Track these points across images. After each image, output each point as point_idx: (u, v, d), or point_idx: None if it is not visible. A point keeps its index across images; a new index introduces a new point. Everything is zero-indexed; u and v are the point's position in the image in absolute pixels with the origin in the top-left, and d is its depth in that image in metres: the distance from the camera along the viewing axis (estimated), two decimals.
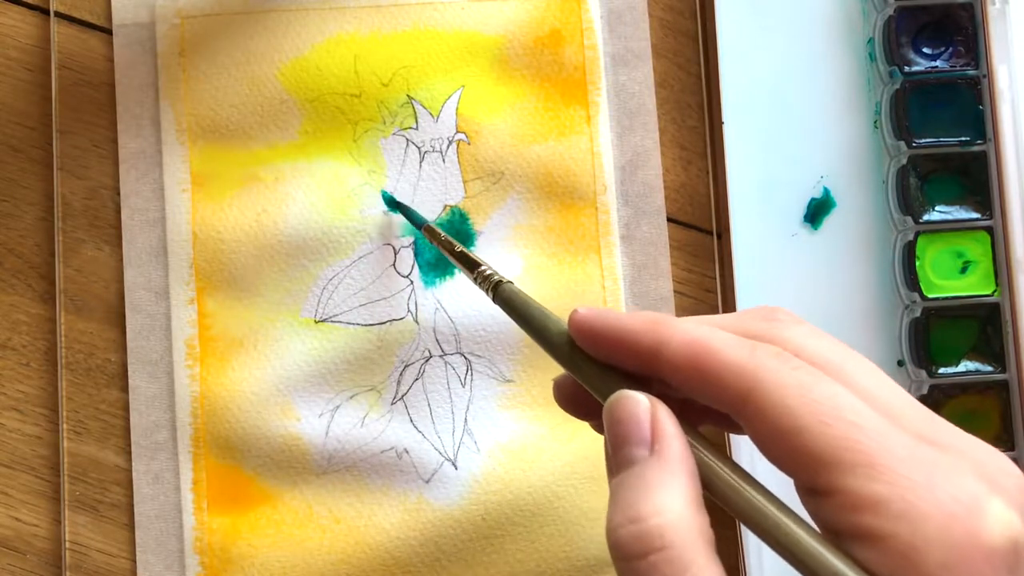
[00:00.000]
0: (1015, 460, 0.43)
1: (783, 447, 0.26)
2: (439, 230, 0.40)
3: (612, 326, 0.29)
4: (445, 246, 0.39)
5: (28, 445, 0.43)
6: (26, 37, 0.45)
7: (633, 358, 0.29)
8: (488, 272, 0.35)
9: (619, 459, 0.27)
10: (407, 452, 0.43)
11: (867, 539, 0.25)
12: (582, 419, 0.32)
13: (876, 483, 0.25)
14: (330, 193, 0.43)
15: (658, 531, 0.25)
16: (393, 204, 0.43)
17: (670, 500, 0.26)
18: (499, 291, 0.34)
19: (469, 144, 0.44)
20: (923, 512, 0.24)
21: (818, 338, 0.28)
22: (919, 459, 0.25)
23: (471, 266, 0.36)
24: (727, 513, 0.27)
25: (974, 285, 0.43)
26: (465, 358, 0.43)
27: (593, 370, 0.30)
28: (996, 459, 0.26)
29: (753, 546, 0.42)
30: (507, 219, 0.44)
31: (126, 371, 0.43)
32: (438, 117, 0.44)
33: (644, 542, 0.25)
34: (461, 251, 0.38)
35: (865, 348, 0.44)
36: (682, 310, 0.45)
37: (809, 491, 0.26)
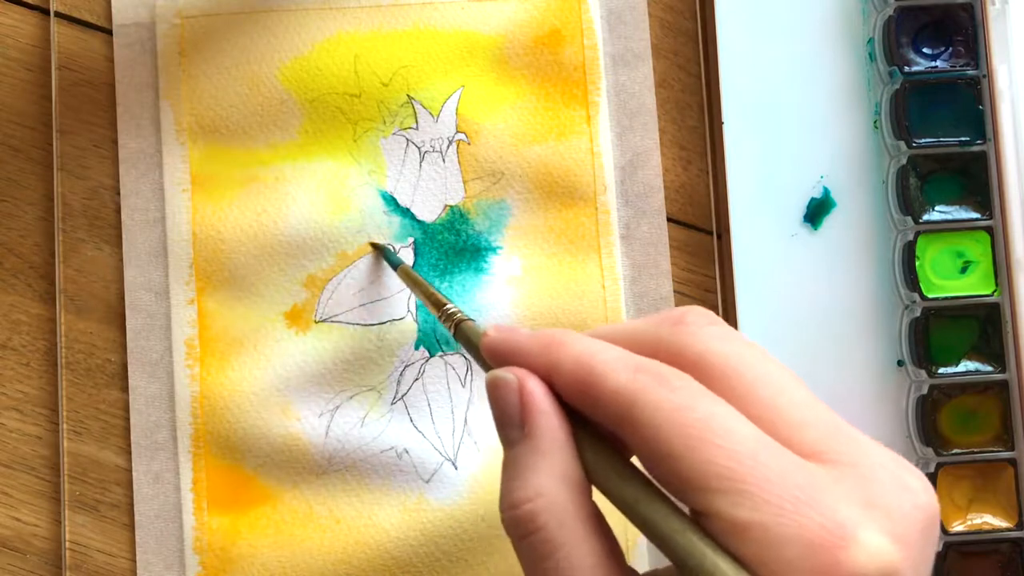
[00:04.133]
0: (1014, 460, 0.43)
1: (661, 471, 0.26)
2: (411, 271, 0.41)
3: (511, 350, 0.29)
4: (420, 286, 0.39)
5: (28, 445, 0.43)
6: (26, 37, 0.45)
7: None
8: (452, 310, 0.35)
9: (502, 440, 0.29)
10: (407, 452, 0.43)
11: (741, 564, 0.24)
12: None
13: (742, 509, 0.24)
14: (330, 193, 0.43)
15: (530, 516, 0.26)
16: (376, 246, 0.43)
17: (541, 482, 0.27)
18: (460, 329, 0.34)
19: (469, 144, 0.44)
20: (784, 538, 0.24)
21: (726, 341, 0.28)
22: (792, 483, 0.24)
23: (437, 304, 0.36)
24: None
25: (974, 285, 0.43)
26: (465, 358, 0.43)
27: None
28: (895, 474, 0.25)
29: None
30: (507, 219, 0.44)
31: (126, 371, 0.43)
32: (438, 117, 0.44)
33: (521, 526, 0.27)
34: (430, 291, 0.38)
35: (865, 348, 0.44)
36: None
37: (693, 514, 0.26)
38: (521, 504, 0.27)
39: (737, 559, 0.24)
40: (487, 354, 0.30)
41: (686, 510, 0.26)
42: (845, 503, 0.24)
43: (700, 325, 0.28)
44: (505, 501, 0.27)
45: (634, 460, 0.28)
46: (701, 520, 0.25)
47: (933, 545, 0.26)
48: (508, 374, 0.28)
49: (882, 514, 0.24)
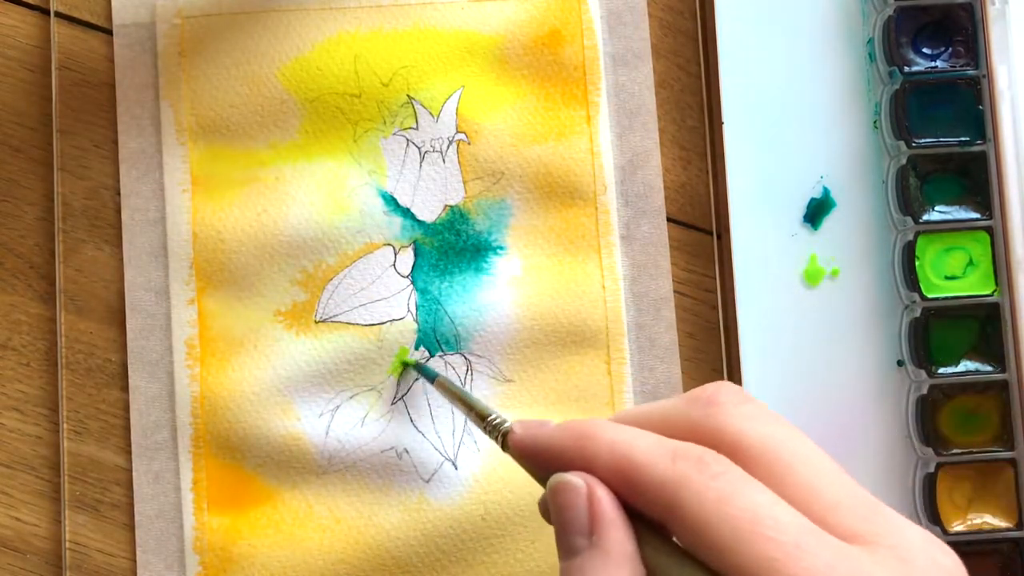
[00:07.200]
0: (1014, 460, 0.43)
1: (708, 560, 0.26)
2: (449, 383, 0.40)
3: (541, 448, 0.29)
4: (460, 399, 0.38)
5: (28, 445, 0.43)
6: (26, 37, 0.45)
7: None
8: (497, 421, 0.33)
9: (563, 546, 0.28)
10: (407, 452, 0.43)
11: None
12: None
13: None
14: (330, 193, 0.43)
15: None
16: (408, 364, 0.43)
17: None
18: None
19: (469, 144, 0.44)
20: None
21: (760, 422, 0.28)
22: (838, 571, 0.25)
23: (481, 416, 0.34)
24: None
25: (974, 285, 0.43)
26: (465, 358, 0.43)
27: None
28: (929, 554, 0.26)
29: None
30: (507, 219, 0.44)
31: (126, 371, 0.43)
32: (438, 117, 0.44)
33: None
34: (471, 403, 0.36)
35: (865, 348, 0.44)
36: (682, 310, 0.45)
37: None
38: None
39: None
40: (516, 453, 0.29)
41: None
42: None
43: (734, 405, 0.28)
44: None
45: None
46: None
47: None
48: (576, 479, 0.28)
49: None
